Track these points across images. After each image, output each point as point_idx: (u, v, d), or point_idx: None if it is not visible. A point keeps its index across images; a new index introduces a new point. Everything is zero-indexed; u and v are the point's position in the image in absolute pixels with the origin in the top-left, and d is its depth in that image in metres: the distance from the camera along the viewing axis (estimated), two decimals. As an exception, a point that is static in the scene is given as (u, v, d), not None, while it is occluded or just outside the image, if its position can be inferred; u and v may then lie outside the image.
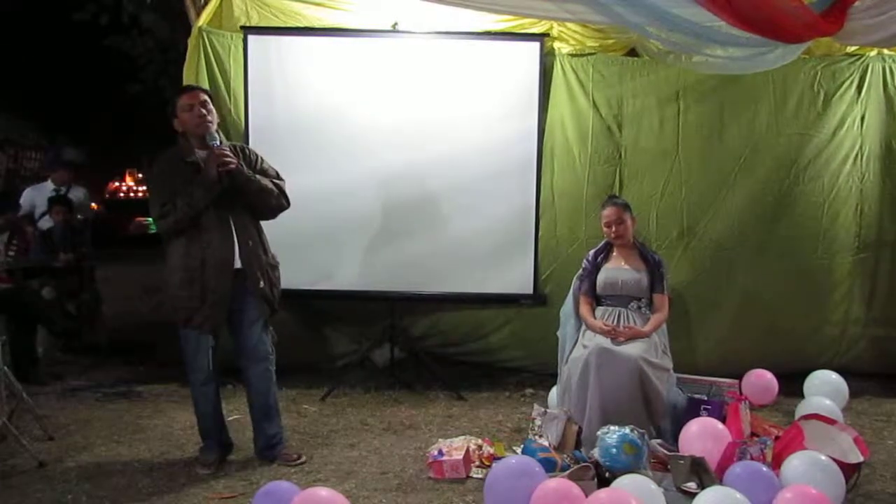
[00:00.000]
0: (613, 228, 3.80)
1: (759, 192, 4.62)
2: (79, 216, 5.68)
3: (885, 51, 4.57)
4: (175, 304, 3.24)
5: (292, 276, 3.83)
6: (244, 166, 3.23)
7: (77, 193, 5.83)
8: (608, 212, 3.84)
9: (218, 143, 3.17)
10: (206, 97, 3.25)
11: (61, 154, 6.02)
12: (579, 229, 4.65)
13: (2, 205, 5.19)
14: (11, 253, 4.98)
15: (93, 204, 6.62)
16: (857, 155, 4.63)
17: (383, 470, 3.31)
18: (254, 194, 3.25)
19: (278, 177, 3.40)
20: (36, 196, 5.74)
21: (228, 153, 3.17)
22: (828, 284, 4.66)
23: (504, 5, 4.04)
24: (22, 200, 5.77)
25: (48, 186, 5.82)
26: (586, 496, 2.65)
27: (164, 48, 8.93)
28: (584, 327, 3.79)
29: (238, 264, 3.25)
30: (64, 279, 5.26)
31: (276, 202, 3.34)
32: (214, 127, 3.21)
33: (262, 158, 3.39)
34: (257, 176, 3.27)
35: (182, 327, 3.26)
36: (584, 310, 3.82)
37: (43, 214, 5.61)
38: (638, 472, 2.90)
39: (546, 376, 4.33)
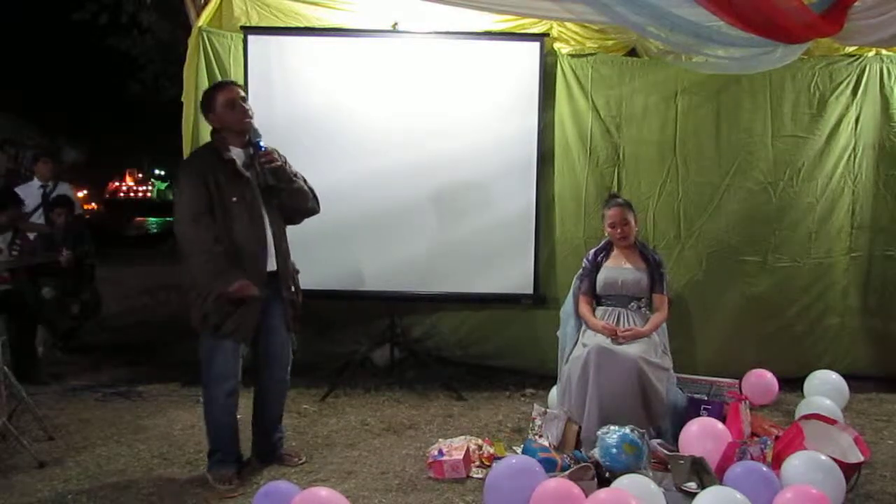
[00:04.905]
0: (619, 230, 3.79)
1: (755, 193, 4.62)
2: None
3: (884, 51, 4.57)
4: (204, 309, 3.00)
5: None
6: (288, 165, 3.18)
7: (63, 189, 5.79)
8: (613, 212, 3.82)
9: (261, 140, 3.10)
10: (243, 92, 3.17)
11: (41, 153, 6.01)
12: (579, 229, 4.64)
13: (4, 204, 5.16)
14: (15, 252, 4.98)
15: (92, 203, 6.62)
16: (850, 155, 4.64)
17: (383, 470, 3.31)
18: (293, 194, 3.19)
19: (306, 181, 3.30)
20: (24, 195, 5.72)
21: (276, 153, 3.12)
22: (823, 284, 4.66)
23: (504, 5, 4.05)
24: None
25: (35, 184, 5.79)
26: (586, 496, 2.65)
27: (164, 48, 8.94)
28: (584, 327, 3.79)
29: (272, 267, 3.15)
30: (64, 279, 5.26)
31: (311, 204, 3.29)
32: (255, 123, 3.13)
33: (288, 161, 3.25)
34: (297, 175, 3.22)
35: (208, 335, 3.05)
36: (584, 309, 3.82)
37: (33, 212, 5.57)
38: (638, 472, 2.91)
39: (546, 376, 4.33)
